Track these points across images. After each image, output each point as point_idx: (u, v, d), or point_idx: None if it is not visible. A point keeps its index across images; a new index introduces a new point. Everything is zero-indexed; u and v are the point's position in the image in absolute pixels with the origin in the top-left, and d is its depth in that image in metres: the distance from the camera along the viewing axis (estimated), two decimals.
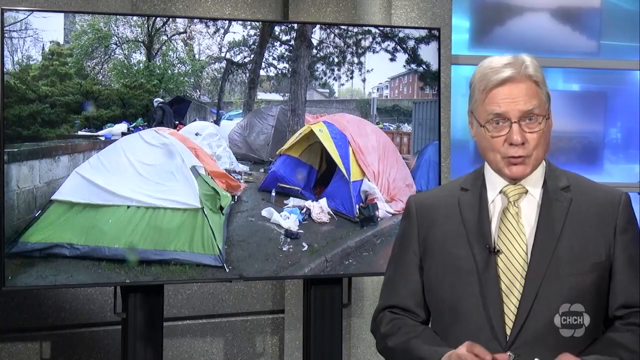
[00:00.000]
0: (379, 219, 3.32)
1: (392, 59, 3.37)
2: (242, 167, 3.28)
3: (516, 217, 1.82)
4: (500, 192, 1.85)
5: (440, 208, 1.91)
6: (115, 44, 3.06)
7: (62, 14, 3.03)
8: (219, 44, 3.19)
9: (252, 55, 3.23)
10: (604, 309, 1.82)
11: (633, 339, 1.77)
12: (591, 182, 1.92)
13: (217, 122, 3.24)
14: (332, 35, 3.31)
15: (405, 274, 1.93)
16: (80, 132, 3.01)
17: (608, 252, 1.80)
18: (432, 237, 1.89)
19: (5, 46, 2.86)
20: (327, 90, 3.38)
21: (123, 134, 3.07)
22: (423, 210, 1.93)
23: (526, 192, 1.84)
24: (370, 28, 3.38)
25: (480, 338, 1.77)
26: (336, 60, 3.33)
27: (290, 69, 3.27)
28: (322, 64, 3.31)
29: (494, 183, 1.86)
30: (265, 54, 3.24)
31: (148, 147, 3.07)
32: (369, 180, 3.32)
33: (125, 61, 3.08)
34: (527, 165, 1.80)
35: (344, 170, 3.29)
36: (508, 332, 1.77)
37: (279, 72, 3.28)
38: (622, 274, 1.80)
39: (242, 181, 3.26)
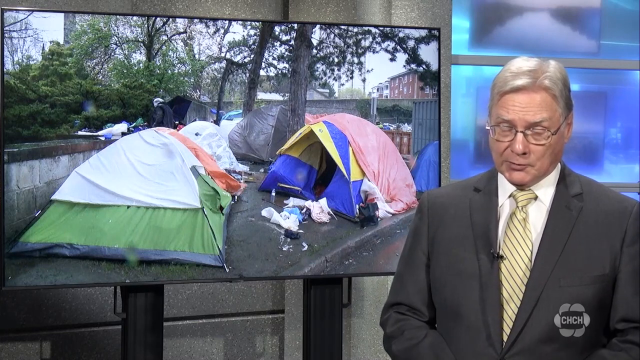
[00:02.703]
0: (379, 219, 3.32)
1: (392, 59, 3.37)
2: (242, 167, 3.28)
3: (523, 223, 1.81)
4: (510, 196, 1.84)
5: (451, 208, 1.90)
6: (115, 44, 3.06)
7: (62, 14, 3.02)
8: (219, 44, 3.19)
9: (252, 55, 3.23)
10: (605, 319, 1.80)
11: None
12: (606, 189, 1.89)
13: (217, 122, 3.24)
14: (332, 35, 3.31)
15: (413, 272, 1.94)
16: (80, 132, 3.01)
17: (613, 264, 1.78)
18: (441, 236, 1.89)
19: (5, 46, 2.86)
20: (327, 90, 3.38)
21: (123, 134, 3.07)
22: (435, 209, 1.93)
23: (536, 197, 1.83)
24: (370, 28, 3.38)
25: (478, 344, 1.77)
26: (336, 60, 3.33)
27: (290, 69, 3.27)
28: (322, 64, 3.31)
29: (505, 186, 1.85)
30: (265, 54, 3.24)
31: (148, 147, 3.07)
32: (369, 180, 3.32)
33: (125, 61, 3.08)
34: (527, 173, 1.78)
35: (344, 170, 3.29)
36: (505, 339, 1.76)
37: (279, 72, 3.28)
38: (625, 286, 1.78)
39: (242, 181, 3.26)
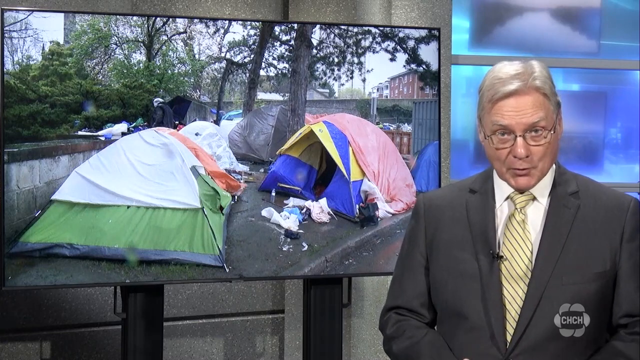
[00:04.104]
0: (379, 219, 3.32)
1: (392, 59, 3.37)
2: (242, 167, 3.28)
3: (522, 224, 1.81)
4: (507, 197, 1.85)
5: (448, 209, 1.90)
6: (115, 44, 3.06)
7: (62, 14, 3.02)
8: (219, 44, 3.19)
9: (252, 55, 3.23)
10: (607, 316, 1.81)
11: (637, 350, 1.76)
12: (601, 187, 1.90)
13: (217, 122, 3.24)
14: (332, 35, 3.31)
15: (411, 275, 1.94)
16: (80, 132, 3.01)
17: (613, 260, 1.79)
18: (439, 238, 1.89)
19: (5, 46, 2.86)
20: (327, 90, 3.38)
21: (123, 134, 3.07)
22: (431, 211, 1.93)
23: (533, 199, 1.83)
24: (370, 28, 3.38)
25: (481, 344, 1.78)
26: (336, 60, 3.33)
27: (290, 69, 3.27)
28: (322, 64, 3.31)
29: (502, 188, 1.86)
30: (265, 54, 3.24)
31: (148, 147, 3.07)
32: (369, 180, 3.32)
33: (125, 61, 3.08)
34: (531, 177, 1.79)
35: (344, 170, 3.29)
36: (509, 338, 1.76)
37: (279, 72, 3.28)
38: (626, 282, 1.79)
39: (242, 181, 3.26)
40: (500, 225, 1.83)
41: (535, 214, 1.83)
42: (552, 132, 1.77)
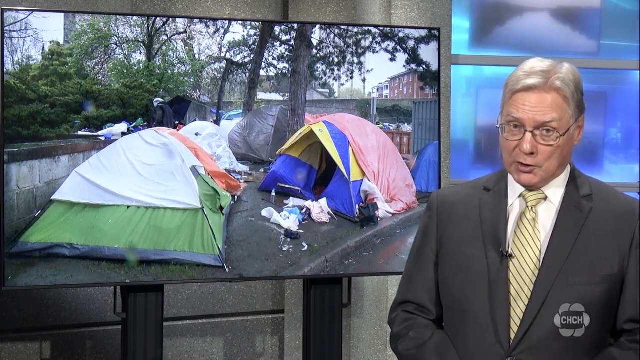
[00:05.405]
0: (379, 219, 3.32)
1: (392, 59, 3.37)
2: (242, 167, 3.28)
3: (532, 222, 1.82)
4: (519, 196, 1.85)
5: (461, 207, 1.91)
6: (115, 44, 3.06)
7: (62, 14, 3.03)
8: (219, 44, 3.19)
9: (252, 55, 3.23)
10: (611, 320, 1.81)
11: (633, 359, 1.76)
12: (615, 191, 1.90)
13: (217, 122, 3.24)
14: (332, 35, 3.31)
15: (421, 270, 1.94)
16: (80, 132, 3.01)
17: (621, 265, 1.79)
18: (450, 235, 1.90)
19: (5, 46, 2.86)
20: (327, 90, 3.38)
21: (123, 134, 3.07)
22: (444, 207, 1.93)
23: (545, 198, 1.84)
24: (370, 28, 3.38)
25: (485, 340, 1.78)
26: (336, 60, 3.33)
27: (290, 69, 3.27)
28: (322, 64, 3.31)
29: (515, 186, 1.86)
30: (265, 54, 3.24)
31: (148, 147, 3.07)
32: (369, 180, 3.32)
33: (125, 61, 3.08)
34: (535, 175, 1.79)
35: (344, 170, 3.29)
36: (512, 336, 1.77)
37: (279, 72, 3.28)
38: (633, 287, 1.79)
39: (242, 181, 3.26)
40: (511, 224, 1.84)
41: (547, 214, 1.83)
42: (562, 135, 1.76)
